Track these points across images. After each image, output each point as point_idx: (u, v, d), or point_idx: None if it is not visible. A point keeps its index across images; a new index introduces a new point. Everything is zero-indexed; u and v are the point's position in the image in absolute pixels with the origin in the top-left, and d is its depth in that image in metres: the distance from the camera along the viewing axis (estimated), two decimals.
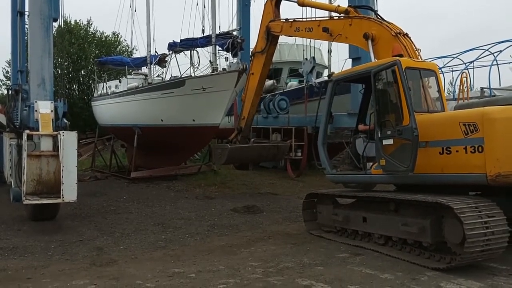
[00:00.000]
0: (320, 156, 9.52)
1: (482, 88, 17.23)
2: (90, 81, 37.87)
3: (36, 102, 10.84)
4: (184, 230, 10.36)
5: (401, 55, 8.06)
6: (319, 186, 17.15)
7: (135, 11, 26.67)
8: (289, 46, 25.80)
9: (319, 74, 24.26)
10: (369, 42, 9.05)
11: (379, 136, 7.90)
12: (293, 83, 24.66)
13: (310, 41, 22.96)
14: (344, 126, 14.85)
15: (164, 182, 17.45)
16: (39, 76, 11.28)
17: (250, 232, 10.18)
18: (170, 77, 19.18)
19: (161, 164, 18.63)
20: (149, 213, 12.29)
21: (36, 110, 10.72)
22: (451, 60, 19.97)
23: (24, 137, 9.81)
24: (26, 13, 13.04)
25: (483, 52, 18.69)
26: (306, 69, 18.87)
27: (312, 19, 11.57)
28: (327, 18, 11.17)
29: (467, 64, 18.60)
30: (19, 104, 11.77)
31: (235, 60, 16.53)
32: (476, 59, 18.80)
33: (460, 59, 19.50)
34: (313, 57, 19.21)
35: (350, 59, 18.04)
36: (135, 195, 15.08)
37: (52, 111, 10.78)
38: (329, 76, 9.70)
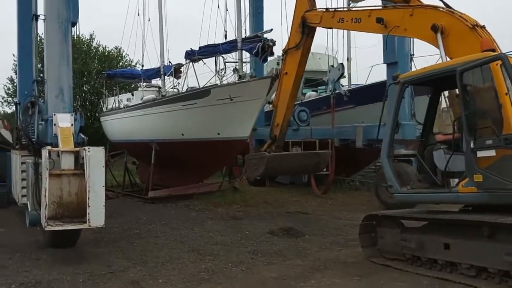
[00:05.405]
0: (385, 171, 8.29)
1: None
2: (92, 98, 36.75)
3: (54, 115, 9.66)
4: (224, 258, 9.10)
5: (493, 50, 6.90)
6: (349, 204, 15.98)
7: (149, 20, 25.26)
8: None
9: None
10: (438, 35, 7.95)
11: (472, 147, 6.70)
12: (312, 94, 23.51)
13: (327, 49, 21.83)
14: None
15: (181, 201, 16.14)
16: (56, 86, 10.14)
17: (300, 260, 8.93)
18: (187, 89, 17.96)
19: (179, 182, 17.36)
20: (178, 236, 11.04)
21: (54, 124, 9.53)
22: None
23: (45, 154, 8.57)
24: (41, 17, 11.80)
25: None
26: (333, 77, 17.52)
27: (361, 8, 10.43)
28: (380, 7, 10.07)
29: None
30: (36, 117, 10.60)
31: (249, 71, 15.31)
32: None
33: None
34: (342, 64, 18.01)
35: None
36: (155, 215, 13.82)
37: (72, 124, 9.59)
38: (395, 77, 8.40)
